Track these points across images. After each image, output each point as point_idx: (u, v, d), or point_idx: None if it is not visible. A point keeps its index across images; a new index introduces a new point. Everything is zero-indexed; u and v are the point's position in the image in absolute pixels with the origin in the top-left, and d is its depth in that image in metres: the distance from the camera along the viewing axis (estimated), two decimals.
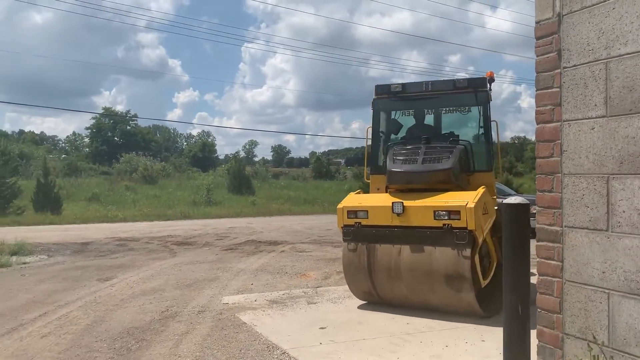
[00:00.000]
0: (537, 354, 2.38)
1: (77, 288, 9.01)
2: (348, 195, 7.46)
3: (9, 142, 46.53)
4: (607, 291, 2.08)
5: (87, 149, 72.23)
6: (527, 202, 3.35)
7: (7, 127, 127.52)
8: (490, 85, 7.86)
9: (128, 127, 69.26)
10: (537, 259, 2.40)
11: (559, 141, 2.26)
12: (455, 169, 6.71)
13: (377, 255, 6.68)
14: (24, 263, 12.51)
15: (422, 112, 8.56)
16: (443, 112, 8.53)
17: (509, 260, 3.48)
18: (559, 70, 2.26)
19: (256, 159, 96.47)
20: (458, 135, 7.90)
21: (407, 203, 6.52)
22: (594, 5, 2.11)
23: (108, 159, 59.59)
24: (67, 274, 10.65)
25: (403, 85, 8.17)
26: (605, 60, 2.07)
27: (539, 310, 2.41)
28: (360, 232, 6.87)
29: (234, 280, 9.42)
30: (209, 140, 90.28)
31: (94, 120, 67.22)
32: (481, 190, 6.36)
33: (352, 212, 7.01)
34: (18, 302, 7.94)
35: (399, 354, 5.05)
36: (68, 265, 11.98)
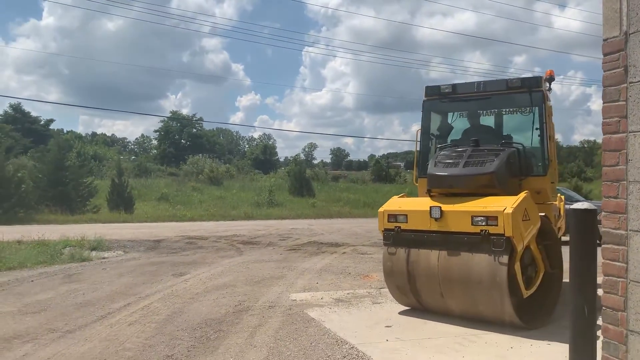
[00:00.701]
0: (602, 350, 2.54)
1: (155, 282, 9.65)
2: (391, 199, 7.34)
3: (84, 144, 49.23)
4: None
5: (155, 151, 75.20)
6: (594, 207, 3.48)
7: (81, 129, 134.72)
8: (549, 84, 7.62)
9: (194, 130, 71.62)
10: (603, 261, 2.57)
11: (625, 150, 2.42)
12: (498, 173, 6.45)
13: (416, 261, 6.56)
14: (103, 258, 13.42)
15: (474, 113, 8.29)
16: (496, 113, 8.21)
17: (575, 264, 3.62)
18: (625, 85, 2.42)
19: (315, 162, 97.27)
20: (511, 138, 7.64)
21: (445, 207, 6.35)
22: None
23: (175, 160, 61.83)
24: (144, 269, 11.36)
25: (454, 85, 7.95)
26: None
27: (604, 308, 2.57)
28: (399, 236, 6.77)
29: (299, 279, 9.80)
30: (270, 142, 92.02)
31: (162, 124, 69.98)
32: (522, 195, 6.09)
33: (392, 216, 6.91)
34: (103, 293, 8.62)
35: (464, 352, 5.22)
36: (144, 261, 12.76)
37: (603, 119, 2.56)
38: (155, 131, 72.24)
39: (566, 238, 8.76)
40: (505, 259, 5.75)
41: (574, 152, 67.16)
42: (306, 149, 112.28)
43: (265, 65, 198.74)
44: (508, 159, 6.77)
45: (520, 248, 5.85)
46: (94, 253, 13.93)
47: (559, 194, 8.88)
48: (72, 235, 16.40)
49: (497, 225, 5.80)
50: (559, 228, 8.33)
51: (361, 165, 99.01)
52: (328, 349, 5.38)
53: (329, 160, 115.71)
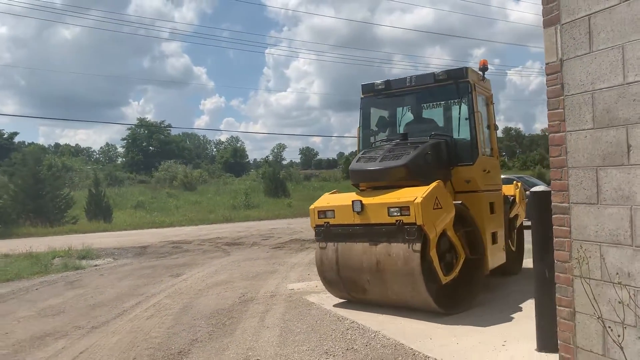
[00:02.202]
0: (556, 293, 3.42)
1: (155, 283, 10.28)
2: (322, 196, 7.57)
3: (53, 156, 48.80)
4: (599, 243, 3.10)
5: (123, 159, 74.64)
6: (549, 190, 4.37)
7: (42, 141, 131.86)
8: (483, 74, 7.77)
9: (162, 136, 71.39)
10: (554, 227, 3.44)
11: (564, 145, 3.29)
12: (411, 166, 6.62)
13: (343, 254, 6.74)
14: (96, 265, 13.90)
15: (408, 107, 8.44)
16: (428, 106, 8.30)
17: (536, 236, 4.52)
18: (562, 97, 3.29)
19: (285, 162, 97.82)
20: (442, 129, 7.79)
21: (365, 201, 6.55)
22: (583, 54, 3.13)
23: (145, 167, 61.60)
24: (140, 272, 11.95)
25: (387, 82, 8.10)
26: (591, 92, 3.08)
27: (556, 262, 3.44)
28: (329, 232, 6.95)
29: (291, 272, 10.58)
30: (238, 145, 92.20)
31: (128, 131, 69.56)
32: (433, 184, 6.26)
33: (322, 212, 7.10)
34: (110, 295, 9.23)
35: (440, 321, 6.10)
36: (136, 265, 13.32)
37: (548, 122, 3.43)
38: (123, 139, 71.85)
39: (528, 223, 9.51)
40: (418, 247, 5.94)
41: (536, 141, 69.31)
42: (275, 150, 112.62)
43: (228, 68, 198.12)
44: (425, 151, 6.93)
45: (433, 236, 6.03)
46: (84, 262, 14.33)
47: (515, 182, 9.36)
48: (56, 246, 16.75)
49: (409, 215, 5.98)
50: (517, 215, 8.77)
51: (331, 164, 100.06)
52: (332, 324, 6.21)
53: (298, 160, 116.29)
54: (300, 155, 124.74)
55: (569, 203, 3.30)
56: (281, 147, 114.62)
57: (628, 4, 2.86)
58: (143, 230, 25.19)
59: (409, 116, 8.40)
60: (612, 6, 2.95)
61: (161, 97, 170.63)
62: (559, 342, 3.44)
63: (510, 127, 78.08)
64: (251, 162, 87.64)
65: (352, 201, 6.59)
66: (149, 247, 17.56)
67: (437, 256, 6.15)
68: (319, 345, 5.45)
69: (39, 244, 17.99)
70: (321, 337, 5.75)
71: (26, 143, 71.52)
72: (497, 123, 8.36)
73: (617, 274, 2.96)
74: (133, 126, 68.12)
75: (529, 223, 5.33)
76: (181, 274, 11.28)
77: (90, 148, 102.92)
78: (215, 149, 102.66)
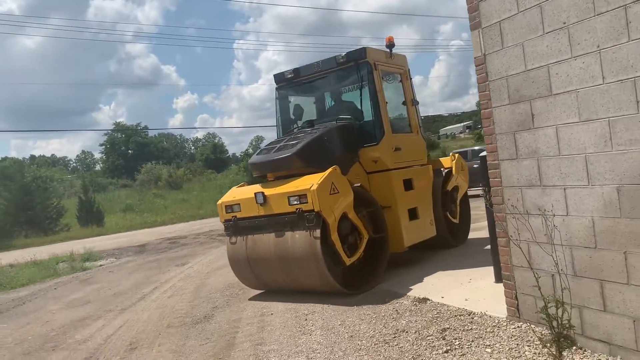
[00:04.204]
0: (497, 229, 4.58)
1: (165, 272, 11.31)
2: (230, 190, 7.53)
3: (36, 168, 49.01)
4: (520, 187, 4.24)
5: (102, 165, 74.74)
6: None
7: (15, 154, 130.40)
8: (390, 50, 7.80)
9: (139, 139, 71.61)
10: (490, 179, 4.59)
11: (492, 118, 4.42)
12: (301, 154, 6.67)
13: (252, 246, 6.77)
14: (101, 265, 14.86)
15: (319, 93, 8.51)
16: (337, 90, 8.32)
17: (486, 188, 5.66)
18: (487, 82, 4.41)
19: None
20: (349, 112, 7.83)
21: (267, 192, 6.58)
22: (498, 50, 4.24)
23: (126, 171, 61.94)
24: (147, 265, 12.96)
25: (296, 70, 8.13)
26: (506, 77, 4.21)
27: (495, 205, 4.58)
28: (237, 226, 6.96)
29: None
30: (216, 141, 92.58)
31: (105, 137, 69.66)
32: (328, 171, 6.31)
33: (229, 207, 7.07)
34: (127, 286, 10.25)
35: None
36: (141, 261, 14.31)
37: (480, 101, 4.56)
38: (101, 144, 71.93)
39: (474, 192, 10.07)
40: (317, 233, 6.03)
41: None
42: (253, 143, 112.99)
43: (198, 64, 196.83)
44: (321, 138, 6.97)
45: (332, 220, 6.13)
46: (88, 263, 15.27)
47: (452, 154, 9.37)
48: (57, 252, 17.66)
49: (307, 203, 6.08)
50: (456, 186, 8.83)
51: None
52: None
53: None
54: None
55: (498, 160, 4.44)
56: (259, 139, 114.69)
57: (523, 14, 3.97)
58: (136, 231, 26.05)
59: (322, 102, 8.57)
60: (513, 15, 4.06)
61: (132, 100, 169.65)
62: (500, 264, 4.60)
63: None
64: (231, 156, 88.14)
65: (255, 193, 6.65)
66: (148, 245, 18.51)
67: (340, 239, 6.29)
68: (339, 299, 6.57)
69: (39, 252, 18.82)
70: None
71: None
72: (416, 98, 8.42)
73: (533, 205, 4.12)
74: (109, 131, 68.30)
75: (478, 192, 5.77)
76: (185, 263, 12.31)
77: (66, 157, 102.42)
78: (193, 147, 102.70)
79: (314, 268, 6.14)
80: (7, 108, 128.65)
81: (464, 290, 5.85)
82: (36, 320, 8.06)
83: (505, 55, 4.22)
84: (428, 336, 4.64)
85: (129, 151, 69.99)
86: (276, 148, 7.07)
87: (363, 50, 7.45)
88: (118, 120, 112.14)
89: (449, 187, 8.65)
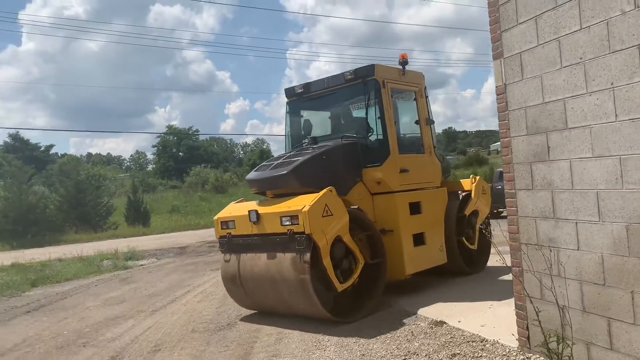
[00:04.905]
0: (510, 256, 4.57)
1: (199, 276, 11.65)
2: (228, 206, 7.39)
3: (90, 166, 51.08)
4: (534, 218, 4.23)
5: (154, 166, 76.95)
6: None
7: (73, 151, 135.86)
8: (404, 67, 7.49)
9: (190, 142, 73.43)
10: (507, 208, 4.59)
11: (510, 147, 4.43)
12: (297, 173, 6.47)
13: (244, 266, 6.60)
14: (142, 265, 15.39)
15: (326, 110, 8.30)
16: (342, 107, 8.11)
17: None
18: (507, 112, 4.43)
19: None
20: (355, 130, 7.50)
21: (261, 210, 6.38)
22: (518, 81, 4.26)
23: (175, 173, 63.60)
24: (184, 268, 13.36)
25: (306, 85, 7.93)
26: (524, 108, 4.22)
27: (509, 233, 4.58)
28: (231, 243, 6.81)
29: None
30: (264, 147, 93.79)
31: (158, 139, 71.77)
32: (323, 192, 6.08)
33: (225, 223, 6.91)
34: (162, 287, 10.61)
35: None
36: (179, 263, 14.75)
37: (499, 129, 4.58)
38: (154, 146, 74.10)
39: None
40: (307, 256, 5.80)
41: None
42: None
43: (251, 71, 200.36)
44: (319, 157, 6.74)
45: (323, 244, 5.87)
46: (130, 262, 15.85)
47: (472, 176, 8.77)
48: (102, 249, 18.40)
49: (298, 224, 5.83)
50: (475, 211, 8.35)
51: None
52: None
53: None
54: None
55: (515, 189, 4.45)
56: None
57: (543, 47, 3.99)
58: (180, 232, 26.74)
59: (330, 118, 8.29)
60: (533, 47, 4.08)
61: (187, 104, 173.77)
62: (514, 293, 4.59)
63: None
64: None
65: (249, 211, 6.46)
66: (188, 247, 19.02)
67: (333, 263, 6.06)
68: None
69: (86, 248, 19.69)
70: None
71: (59, 154, 74.46)
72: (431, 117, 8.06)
73: (546, 238, 4.11)
74: (162, 134, 70.41)
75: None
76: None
77: (121, 156, 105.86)
78: (242, 152, 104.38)
79: (302, 293, 5.91)
80: (69, 107, 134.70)
81: (483, 316, 5.83)
82: (73, 315, 8.48)
83: (524, 86, 4.24)
84: None
85: (180, 154, 71.84)
86: (274, 165, 6.90)
87: (371, 67, 7.24)
88: (171, 123, 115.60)
89: (467, 212, 8.21)
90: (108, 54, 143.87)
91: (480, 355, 4.65)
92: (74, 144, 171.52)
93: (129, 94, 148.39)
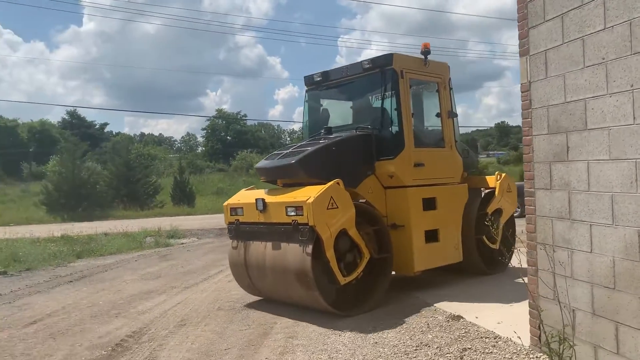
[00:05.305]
0: (527, 255, 4.55)
1: None
2: (238, 192, 7.44)
3: (140, 145, 52.72)
4: (551, 218, 4.20)
5: (203, 148, 78.55)
6: None
7: (127, 130, 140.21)
8: (426, 57, 7.26)
9: (238, 126, 74.52)
10: (525, 206, 4.56)
11: (532, 146, 4.40)
12: (304, 163, 6.40)
13: (250, 252, 6.66)
14: (182, 243, 15.91)
15: (344, 99, 8.16)
16: (359, 97, 7.91)
17: None
18: (530, 110, 4.39)
19: None
20: (371, 120, 7.31)
21: (268, 199, 6.39)
22: (542, 79, 4.21)
23: (223, 156, 64.77)
24: (222, 248, 13.69)
25: (325, 73, 7.77)
26: (547, 107, 4.17)
27: (527, 232, 4.55)
28: (239, 230, 6.85)
29: None
30: None
31: (208, 122, 73.18)
32: (330, 184, 6.01)
33: (233, 210, 6.94)
34: (197, 266, 10.98)
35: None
36: (218, 243, 15.16)
37: (522, 127, 4.55)
38: (203, 129, 75.61)
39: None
40: (309, 248, 5.77)
41: None
42: None
43: (302, 57, 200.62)
44: (328, 148, 6.64)
45: (326, 236, 5.82)
46: (172, 240, 16.41)
47: (498, 172, 8.49)
48: (147, 227, 19.06)
49: (303, 215, 5.82)
50: (499, 209, 8.00)
51: None
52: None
53: None
54: None
55: (534, 188, 4.42)
56: None
57: (567, 45, 3.93)
58: (223, 214, 27.28)
59: (347, 108, 8.14)
60: (558, 45, 4.02)
61: (237, 88, 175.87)
62: (528, 292, 4.58)
63: None
64: None
65: (256, 199, 6.47)
66: None
67: (337, 256, 6.02)
68: None
69: (132, 224, 20.47)
70: None
71: (114, 133, 77.10)
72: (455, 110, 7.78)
73: (561, 238, 4.09)
74: (210, 118, 71.75)
75: None
76: None
77: (172, 137, 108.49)
78: (289, 138, 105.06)
79: (303, 284, 5.91)
80: (124, 87, 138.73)
81: (501, 312, 5.82)
82: (110, 287, 8.91)
83: (548, 85, 4.20)
84: (447, 353, 4.72)
85: (228, 137, 73.02)
86: (283, 154, 6.84)
87: (390, 56, 7.01)
88: (222, 107, 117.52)
89: (489, 210, 7.86)
90: (163, 37, 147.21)
91: (490, 351, 4.68)
92: (128, 123, 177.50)
93: (182, 77, 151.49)
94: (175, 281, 9.20)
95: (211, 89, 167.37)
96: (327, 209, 5.85)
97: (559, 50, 4.05)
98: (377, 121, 7.23)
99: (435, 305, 6.43)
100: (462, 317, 5.76)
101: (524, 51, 4.48)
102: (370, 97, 7.69)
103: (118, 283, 9.32)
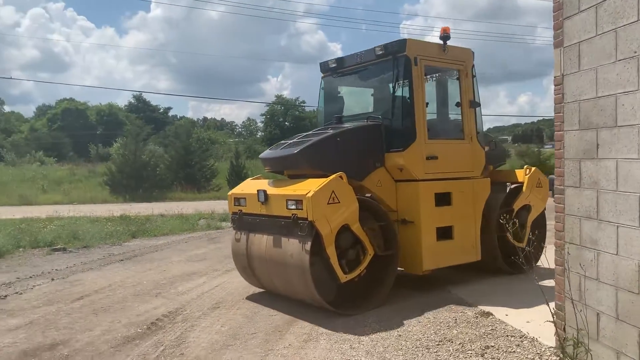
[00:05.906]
0: (554, 255, 4.40)
1: None
2: (244, 181, 7.33)
3: (200, 130, 54.07)
4: (579, 217, 4.03)
5: (262, 133, 79.68)
6: None
7: (191, 114, 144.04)
8: (445, 43, 6.87)
9: (297, 113, 75.03)
10: (555, 204, 4.40)
11: (563, 141, 4.22)
12: (306, 155, 6.20)
13: (252, 244, 6.52)
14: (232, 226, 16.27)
15: (358, 87, 7.92)
16: (372, 85, 7.65)
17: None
18: (562, 104, 4.21)
19: None
20: (383, 110, 7.03)
21: (269, 191, 6.24)
22: (575, 72, 4.02)
23: None
24: None
25: (339, 59, 7.48)
26: (578, 102, 3.98)
27: (556, 231, 4.39)
28: (241, 220, 6.72)
29: None
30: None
31: (267, 107, 74.11)
32: (331, 177, 5.79)
33: (237, 200, 6.79)
34: None
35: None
36: None
37: (555, 122, 4.37)
38: (262, 114, 76.63)
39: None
40: (308, 244, 5.58)
41: None
42: None
43: (363, 43, 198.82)
44: (333, 139, 6.40)
45: (326, 232, 5.62)
46: (224, 223, 16.80)
47: (527, 166, 7.96)
48: (202, 209, 19.62)
49: (302, 210, 5.62)
50: (527, 205, 7.59)
51: None
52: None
53: None
54: None
55: (564, 186, 4.26)
56: None
57: (600, 37, 3.74)
58: None
59: (360, 96, 7.92)
60: (592, 37, 3.83)
61: (297, 74, 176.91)
62: (555, 293, 4.43)
63: None
64: None
65: (257, 191, 6.32)
66: None
67: (339, 253, 5.82)
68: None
69: (188, 207, 21.11)
70: None
71: (178, 117, 79.43)
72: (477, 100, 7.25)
73: (589, 238, 3.93)
74: (270, 104, 72.53)
75: None
76: None
77: (234, 122, 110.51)
78: None
79: (301, 280, 5.73)
80: (188, 72, 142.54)
81: (533, 311, 5.65)
82: (157, 267, 9.29)
83: (580, 79, 4.02)
84: (469, 350, 4.67)
85: (286, 123, 73.68)
86: (288, 144, 6.61)
87: (403, 42, 6.59)
88: (281, 93, 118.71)
89: (516, 206, 7.44)
90: (226, 23, 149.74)
91: (513, 350, 4.59)
92: (192, 107, 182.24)
93: (244, 63, 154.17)
94: (218, 264, 9.47)
95: (272, 75, 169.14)
96: (328, 203, 5.64)
97: (592, 43, 3.87)
98: (388, 111, 6.89)
99: (467, 300, 6.34)
100: (491, 314, 5.66)
101: (558, 43, 4.30)
102: (383, 85, 7.36)
103: (165, 264, 9.70)
